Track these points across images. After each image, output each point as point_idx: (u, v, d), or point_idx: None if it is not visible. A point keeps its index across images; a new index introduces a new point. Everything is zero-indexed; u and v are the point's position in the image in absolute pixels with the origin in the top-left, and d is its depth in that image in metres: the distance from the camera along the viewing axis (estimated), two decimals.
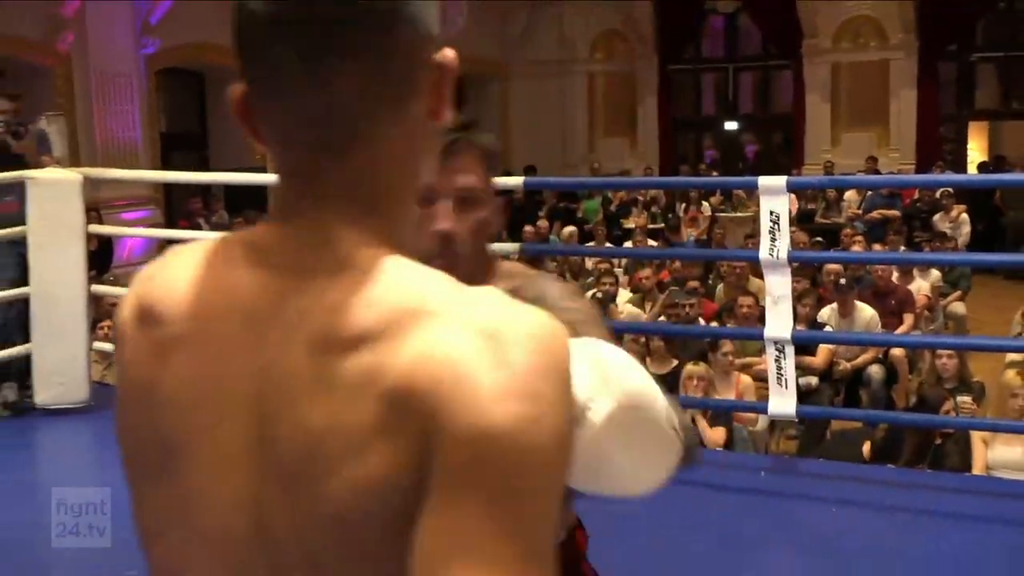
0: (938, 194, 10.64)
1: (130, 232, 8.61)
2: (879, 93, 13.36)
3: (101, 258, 7.75)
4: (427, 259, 0.84)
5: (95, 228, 5.40)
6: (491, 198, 1.25)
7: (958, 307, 8.07)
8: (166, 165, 10.64)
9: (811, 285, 6.96)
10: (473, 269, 1.18)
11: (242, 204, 10.11)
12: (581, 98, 14.40)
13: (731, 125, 15.04)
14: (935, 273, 8.16)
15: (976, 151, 14.13)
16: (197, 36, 10.17)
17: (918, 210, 10.95)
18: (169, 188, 10.42)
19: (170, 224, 9.55)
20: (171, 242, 8.60)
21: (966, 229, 10.39)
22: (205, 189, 10.48)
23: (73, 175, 4.71)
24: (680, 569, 2.99)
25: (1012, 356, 5.69)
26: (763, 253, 3.64)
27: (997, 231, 11.57)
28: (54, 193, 4.51)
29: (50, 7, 9.50)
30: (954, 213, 10.48)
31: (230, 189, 10.42)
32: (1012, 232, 11.44)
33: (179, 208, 10.30)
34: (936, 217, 10.58)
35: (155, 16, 10.41)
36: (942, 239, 9.72)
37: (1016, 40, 13.07)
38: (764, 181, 3.72)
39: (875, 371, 5.99)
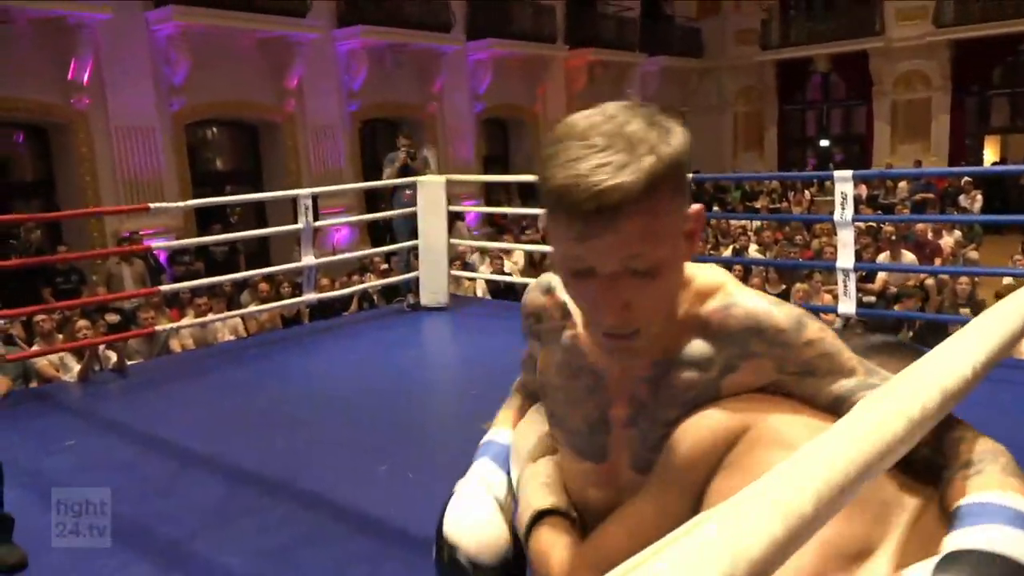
0: (962, 183, 13.50)
1: (470, 209, 12.25)
2: (924, 117, 16.59)
3: (449, 225, 10.43)
4: (602, 335, 0.84)
5: (452, 207, 6.18)
6: (676, 244, 0.81)
7: (973, 254, 9.30)
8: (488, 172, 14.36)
9: (873, 240, 8.58)
10: (652, 332, 0.85)
11: (525, 195, 14.72)
12: (729, 128, 19.10)
13: (824, 142, 18.92)
14: (957, 232, 9.87)
15: (991, 154, 17.12)
16: None
17: (949, 193, 13.75)
18: (487, 187, 13.98)
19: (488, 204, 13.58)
20: (489, 217, 13.96)
21: (979, 205, 13.25)
22: (508, 185, 14.28)
23: (440, 179, 6.02)
24: None
25: (1007, 281, 6.81)
26: (836, 216, 4.68)
27: (1003, 208, 14.03)
28: (432, 190, 5.92)
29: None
30: (972, 194, 13.35)
31: (520, 186, 14.52)
32: (1014, 206, 14.18)
33: (492, 197, 13.97)
34: (960, 197, 13.49)
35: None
36: (963, 211, 12.90)
37: (1019, 81, 16.39)
38: (838, 173, 4.72)
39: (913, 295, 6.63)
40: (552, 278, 1.03)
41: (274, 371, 4.88)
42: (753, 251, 9.32)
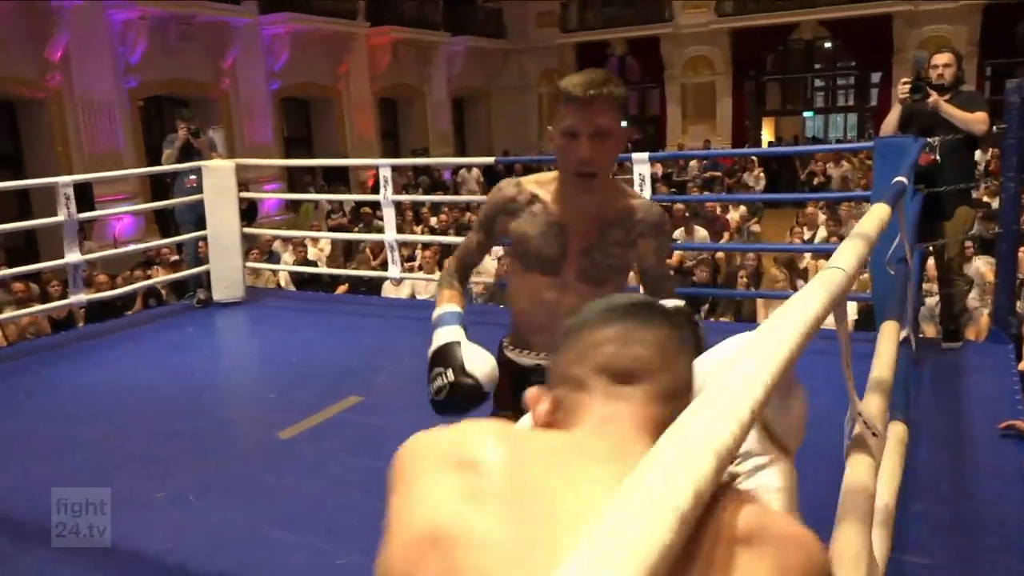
0: (746, 161, 14.65)
1: (266, 195, 11.48)
2: (710, 100, 17.87)
3: (249, 213, 9.23)
4: (570, 174, 1.58)
5: (243, 194, 5.92)
6: (620, 132, 1.52)
7: (755, 228, 10.09)
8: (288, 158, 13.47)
9: (668, 217, 10.60)
10: (604, 180, 1.59)
11: (330, 179, 14.30)
12: (534, 108, 19.28)
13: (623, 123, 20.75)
14: (742, 208, 10.46)
15: (768, 134, 18.86)
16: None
17: (734, 170, 14.76)
18: (289, 169, 13.36)
19: (291, 190, 12.95)
20: (294, 201, 13.39)
21: (762, 182, 14.24)
22: (312, 169, 13.65)
23: (229, 163, 5.66)
24: None
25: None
26: None
27: (777, 183, 14.72)
28: (219, 175, 5.52)
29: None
30: (755, 172, 14.36)
31: (325, 169, 13.95)
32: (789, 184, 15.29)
33: (298, 180, 13.62)
34: (744, 175, 14.44)
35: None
36: (746, 188, 13.95)
37: (788, 69, 18.19)
38: (635, 156, 4.75)
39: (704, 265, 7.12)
40: (515, 180, 1.76)
41: (36, 385, 4.28)
42: None
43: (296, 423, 3.58)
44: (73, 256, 4.90)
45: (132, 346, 5.06)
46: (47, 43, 10.51)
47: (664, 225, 1.72)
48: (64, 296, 5.94)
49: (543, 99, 19.22)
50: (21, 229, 7.38)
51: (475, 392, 1.54)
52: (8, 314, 5.63)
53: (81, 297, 5.19)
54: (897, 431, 1.93)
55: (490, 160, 7.22)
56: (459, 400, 1.53)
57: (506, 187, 1.75)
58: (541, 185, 1.70)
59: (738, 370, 0.68)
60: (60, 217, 4.85)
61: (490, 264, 7.49)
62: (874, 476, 1.25)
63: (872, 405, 1.48)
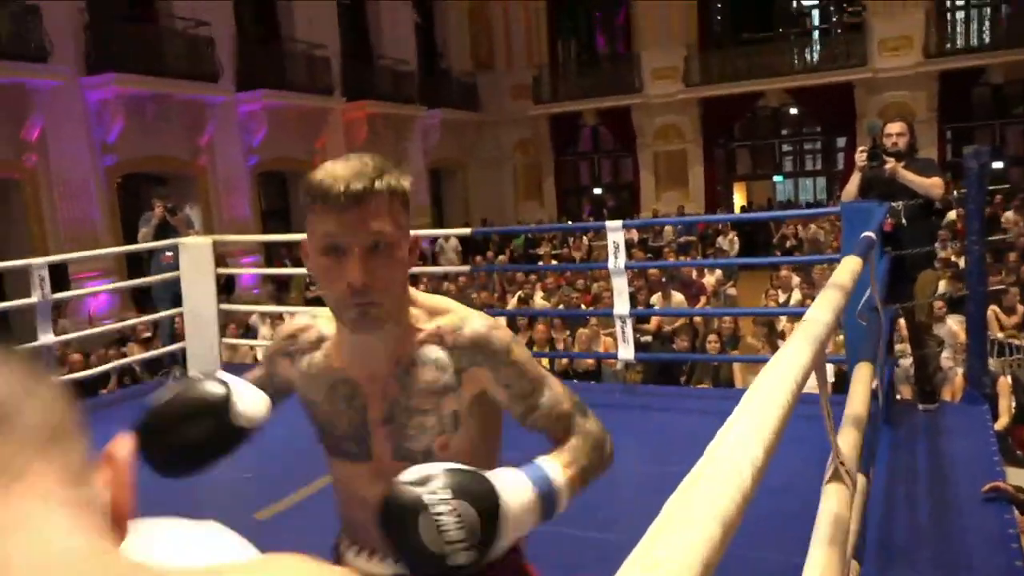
0: (720, 226, 14.91)
1: (244, 271, 11.16)
2: (682, 167, 18.12)
3: (227, 287, 9.64)
4: (341, 309, 1.05)
5: (221, 270, 5.85)
6: (405, 237, 1.08)
7: (732, 291, 10.27)
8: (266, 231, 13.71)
9: (645, 282, 9.04)
10: (391, 308, 1.08)
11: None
12: (510, 178, 19.73)
13: (598, 190, 20.14)
14: (718, 271, 10.52)
15: (740, 198, 19.19)
16: None
17: (708, 235, 15.15)
18: (267, 244, 13.19)
19: (268, 264, 13.13)
20: (271, 276, 13.39)
21: (736, 245, 14.38)
22: (289, 242, 14.40)
23: (207, 240, 5.64)
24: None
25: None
26: (610, 265, 4.79)
27: (752, 246, 14.98)
28: (196, 252, 5.49)
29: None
30: (729, 236, 14.55)
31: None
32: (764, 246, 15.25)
33: (275, 253, 13.49)
34: (719, 239, 14.61)
35: None
36: (721, 252, 14.09)
37: (757, 135, 18.59)
38: (609, 224, 4.83)
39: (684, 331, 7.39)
40: (313, 312, 1.31)
41: None
42: (538, 298, 9.67)
43: (273, 503, 3.49)
44: (47, 337, 4.83)
45: (106, 426, 4.89)
46: (23, 123, 10.56)
47: (493, 341, 1.14)
48: None
49: (518, 170, 19.62)
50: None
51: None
52: None
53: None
54: (860, 492, 1.95)
55: (466, 231, 7.27)
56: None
57: (299, 317, 1.30)
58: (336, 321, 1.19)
59: (735, 431, 0.68)
60: (34, 298, 4.79)
61: None
62: (848, 508, 1.31)
63: (847, 440, 1.54)
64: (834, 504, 1.29)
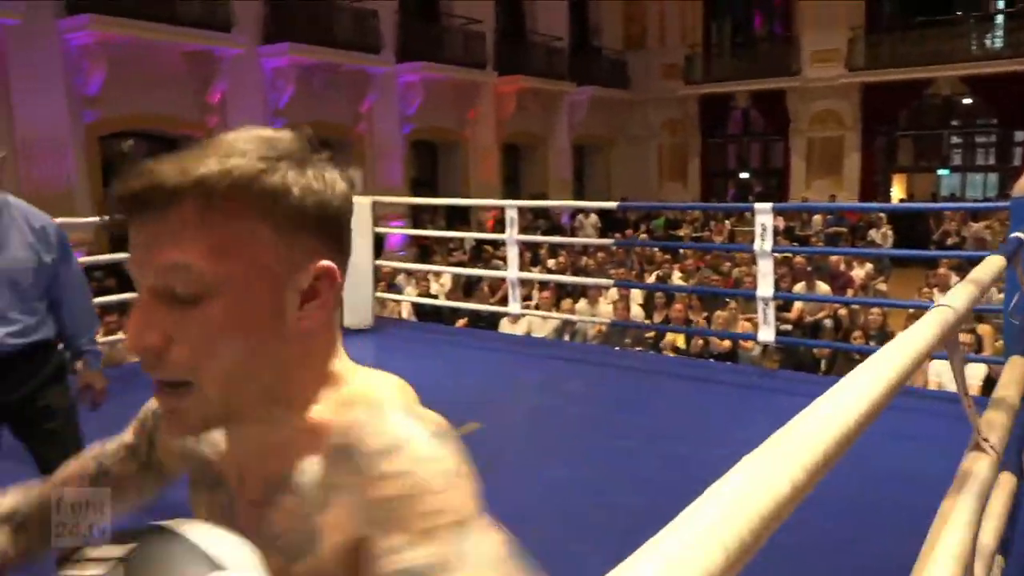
0: (874, 217, 14.14)
1: (397, 231, 12.04)
2: (837, 154, 17.43)
3: (376, 247, 9.83)
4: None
5: (378, 229, 6.27)
6: (262, 277, 0.63)
7: (882, 287, 9.36)
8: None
9: (789, 270, 8.59)
10: (218, 400, 0.63)
11: (451, 220, 14.91)
12: (655, 158, 19.59)
13: (744, 175, 19.78)
14: (868, 265, 9.97)
15: (899, 191, 18.12)
16: None
17: (860, 227, 14.31)
18: (414, 209, 14.02)
19: (415, 226, 13.68)
20: (416, 240, 14.10)
21: (890, 239, 13.65)
22: (435, 209, 14.58)
23: (366, 200, 5.97)
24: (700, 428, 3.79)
25: (914, 312, 6.20)
26: (756, 246, 4.73)
27: (909, 242, 13.66)
28: (357, 210, 5.88)
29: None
30: (883, 229, 13.80)
31: (447, 211, 14.82)
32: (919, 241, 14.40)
33: (420, 220, 14.35)
34: (871, 231, 13.95)
35: None
36: (873, 246, 13.22)
37: (923, 125, 17.49)
38: (758, 206, 4.78)
39: (827, 322, 7.41)
40: None
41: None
42: (676, 279, 9.48)
43: None
44: None
45: None
46: (208, 87, 11.53)
47: (359, 445, 0.63)
48: None
49: (663, 150, 19.36)
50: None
51: None
52: (117, 337, 6.10)
53: None
54: (1006, 480, 1.91)
55: (612, 204, 7.36)
56: None
57: None
58: None
59: (833, 400, 0.72)
60: None
61: (605, 307, 7.61)
62: (979, 509, 1.27)
63: (992, 421, 1.51)
64: (971, 479, 1.27)
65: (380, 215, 10.46)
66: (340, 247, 0.68)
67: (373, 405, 0.66)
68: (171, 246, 0.61)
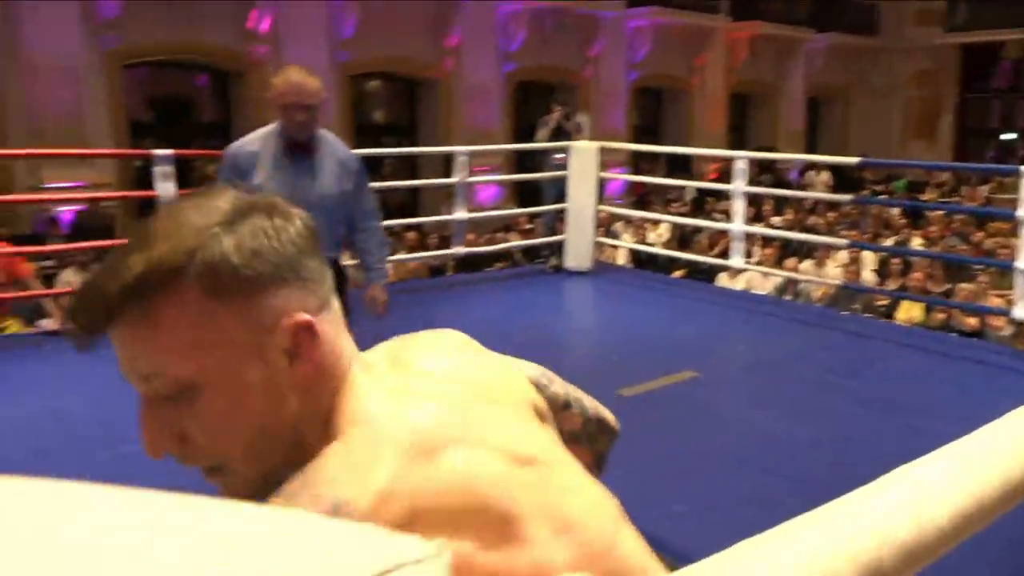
0: None
1: (621, 178, 11.25)
2: None
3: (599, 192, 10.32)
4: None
5: (603, 174, 6.43)
6: (236, 355, 0.62)
7: None
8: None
9: None
10: (250, 469, 0.64)
11: (672, 170, 14.06)
12: (898, 114, 17.83)
13: (1009, 135, 17.47)
14: None
15: None
16: None
17: None
18: (635, 157, 12.89)
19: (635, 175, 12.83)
20: (633, 188, 14.04)
21: None
22: (656, 158, 13.75)
23: (594, 145, 6.24)
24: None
25: None
26: (1020, 212, 4.38)
27: None
28: (585, 155, 6.10)
29: None
30: None
31: (668, 161, 14.03)
32: None
33: (638, 168, 13.39)
34: None
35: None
36: None
37: None
38: None
39: None
40: None
41: (421, 318, 5.06)
42: (917, 246, 8.85)
43: (636, 385, 3.89)
44: (461, 213, 5.71)
45: (494, 297, 5.76)
46: (446, 32, 12.07)
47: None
48: (439, 248, 6.93)
49: (911, 104, 17.64)
50: (415, 187, 8.65)
51: None
52: (402, 256, 6.70)
53: (461, 249, 6.02)
54: None
55: (853, 160, 6.88)
56: None
57: None
58: None
59: None
60: (455, 179, 5.66)
61: (834, 270, 7.23)
62: None
63: None
64: None
65: (602, 162, 10.76)
66: (306, 286, 0.64)
67: (327, 458, 0.62)
68: (140, 356, 0.60)
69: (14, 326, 4.75)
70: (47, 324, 4.51)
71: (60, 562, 0.30)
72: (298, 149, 2.65)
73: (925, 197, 13.77)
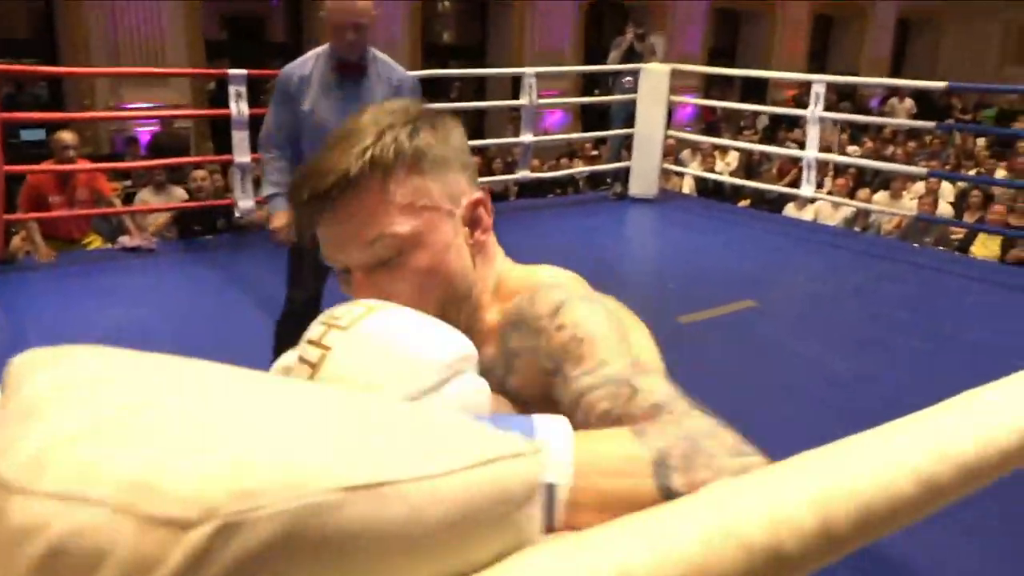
0: None
1: (692, 102, 11.17)
2: None
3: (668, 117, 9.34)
4: None
5: (674, 98, 6.31)
6: (432, 220, 0.75)
7: None
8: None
9: None
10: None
11: (746, 96, 13.99)
12: (996, 38, 16.61)
13: None
14: None
15: None
16: None
17: None
18: (707, 83, 13.06)
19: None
20: (705, 114, 13.64)
21: None
22: (729, 83, 13.50)
23: (665, 68, 6.05)
24: None
25: None
26: None
27: None
28: (655, 78, 5.94)
29: None
30: None
31: (743, 86, 13.97)
32: None
33: (709, 93, 12.72)
34: None
35: None
36: None
37: None
38: None
39: None
40: None
41: None
42: (1000, 175, 8.43)
43: (694, 312, 3.92)
44: (527, 136, 5.70)
45: (556, 223, 5.79)
46: None
47: (528, 314, 0.77)
48: (504, 172, 6.94)
49: (1011, 29, 16.42)
50: (483, 109, 8.60)
51: None
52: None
53: (526, 174, 6.04)
54: None
55: (941, 84, 6.50)
56: None
57: None
58: None
59: None
60: (523, 101, 5.64)
61: (909, 202, 6.98)
62: None
63: None
64: None
65: (674, 85, 10.55)
66: (472, 176, 0.81)
67: (530, 287, 0.78)
68: (369, 223, 0.73)
69: (96, 241, 5.02)
70: (126, 240, 4.75)
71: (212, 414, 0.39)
72: (348, 70, 2.58)
73: (1018, 126, 13.18)
